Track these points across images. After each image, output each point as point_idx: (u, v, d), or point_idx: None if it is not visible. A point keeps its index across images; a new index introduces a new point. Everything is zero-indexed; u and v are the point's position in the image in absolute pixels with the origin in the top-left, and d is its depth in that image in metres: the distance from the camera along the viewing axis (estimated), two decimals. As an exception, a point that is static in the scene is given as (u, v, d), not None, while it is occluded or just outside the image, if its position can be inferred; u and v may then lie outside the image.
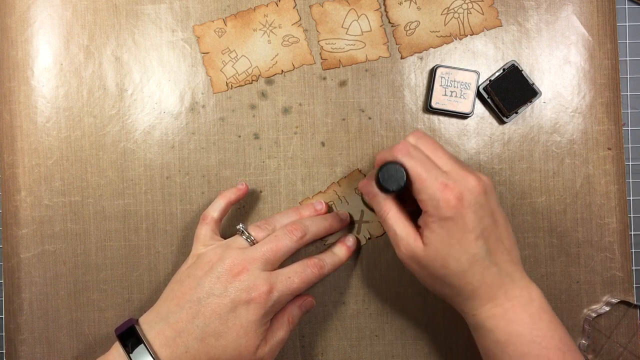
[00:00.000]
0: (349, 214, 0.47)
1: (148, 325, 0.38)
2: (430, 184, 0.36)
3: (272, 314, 0.40)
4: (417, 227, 0.38)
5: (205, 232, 0.42)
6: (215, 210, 0.43)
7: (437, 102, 0.46)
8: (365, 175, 0.47)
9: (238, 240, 0.41)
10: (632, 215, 0.48)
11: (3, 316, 0.48)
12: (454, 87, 0.46)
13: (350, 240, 0.46)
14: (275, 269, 0.40)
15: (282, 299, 0.39)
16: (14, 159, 0.47)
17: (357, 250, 0.47)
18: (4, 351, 0.48)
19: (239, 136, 0.47)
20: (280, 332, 0.40)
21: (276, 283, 0.39)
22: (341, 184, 0.47)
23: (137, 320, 0.39)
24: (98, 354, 0.47)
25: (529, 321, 0.36)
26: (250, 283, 0.38)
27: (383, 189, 0.37)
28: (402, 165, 0.37)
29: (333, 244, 0.46)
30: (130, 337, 0.37)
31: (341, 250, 0.45)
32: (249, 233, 0.41)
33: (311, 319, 0.47)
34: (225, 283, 0.38)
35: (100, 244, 0.47)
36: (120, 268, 0.47)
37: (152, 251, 0.47)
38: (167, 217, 0.47)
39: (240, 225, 0.42)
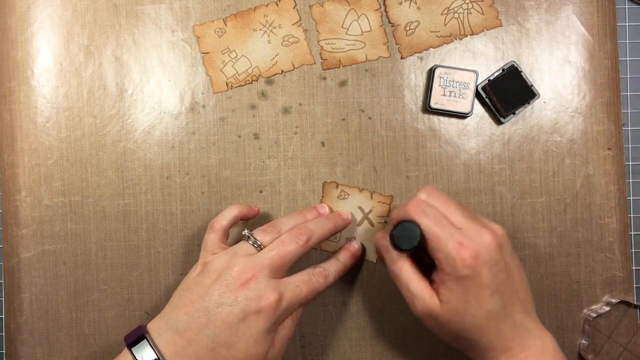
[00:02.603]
0: (352, 213, 0.47)
1: (157, 333, 0.38)
2: (446, 242, 0.36)
3: (281, 322, 0.39)
4: (431, 282, 0.38)
5: (212, 240, 0.42)
6: (224, 219, 0.43)
7: (436, 102, 0.46)
8: (338, 185, 0.47)
9: (244, 247, 0.40)
10: (632, 215, 0.48)
11: (3, 316, 0.48)
12: (453, 87, 0.46)
13: (354, 247, 0.45)
14: (283, 276, 0.40)
15: (290, 308, 0.39)
16: (14, 159, 0.47)
17: (362, 256, 0.47)
18: (4, 351, 0.48)
19: (239, 136, 0.47)
20: (285, 331, 0.40)
21: (285, 292, 0.39)
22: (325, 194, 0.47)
23: (146, 327, 0.39)
24: (98, 355, 0.47)
25: None
26: (260, 292, 0.38)
27: (397, 247, 0.37)
28: (416, 224, 0.37)
29: (338, 250, 0.45)
30: (141, 345, 0.37)
31: (345, 257, 0.44)
32: (255, 238, 0.41)
33: (311, 319, 0.47)
34: (235, 292, 0.38)
35: (100, 244, 0.47)
36: (120, 268, 0.47)
37: (152, 251, 0.47)
38: (167, 217, 0.47)
39: (246, 230, 0.41)
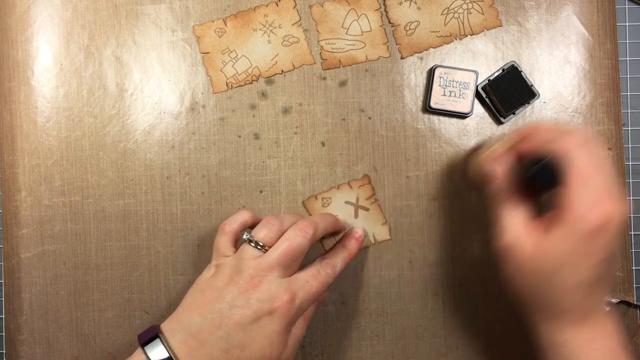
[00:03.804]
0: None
1: (170, 333, 0.38)
2: (591, 190, 0.33)
3: (295, 321, 0.39)
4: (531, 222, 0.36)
5: (223, 243, 0.41)
6: (235, 223, 0.42)
7: (436, 102, 0.46)
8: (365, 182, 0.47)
9: (249, 251, 0.40)
10: (632, 216, 0.48)
11: (3, 316, 0.48)
12: (453, 87, 0.46)
13: (357, 232, 0.44)
14: (295, 271, 0.40)
15: (304, 305, 0.39)
16: (14, 158, 0.47)
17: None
18: (4, 351, 0.48)
19: (239, 136, 0.47)
20: (298, 331, 0.40)
21: (297, 290, 0.38)
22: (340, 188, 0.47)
23: (159, 327, 0.39)
24: (98, 355, 0.47)
25: (608, 354, 0.35)
26: (272, 292, 0.37)
27: (536, 185, 0.34)
28: (560, 160, 0.33)
29: (342, 238, 0.45)
30: (154, 345, 0.37)
31: (350, 244, 0.43)
32: (256, 240, 0.40)
33: (311, 318, 0.47)
34: (247, 294, 0.37)
35: (100, 244, 0.47)
36: (121, 268, 0.47)
37: (152, 251, 0.47)
38: (167, 217, 0.47)
39: (245, 234, 0.40)
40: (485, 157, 0.38)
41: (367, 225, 0.47)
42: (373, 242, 0.47)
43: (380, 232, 0.47)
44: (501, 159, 0.37)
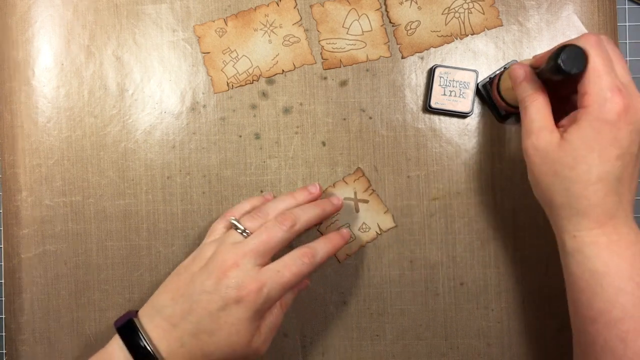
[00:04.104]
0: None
1: (147, 317, 0.39)
2: (606, 81, 0.34)
3: (264, 310, 0.39)
4: (557, 124, 0.37)
5: (219, 227, 0.42)
6: (238, 212, 0.43)
7: (436, 102, 0.46)
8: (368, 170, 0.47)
9: (232, 235, 0.40)
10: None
11: (4, 316, 0.48)
12: (453, 86, 0.46)
13: (344, 231, 0.44)
14: (268, 261, 0.40)
15: (272, 294, 0.38)
16: (15, 159, 0.47)
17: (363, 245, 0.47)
18: (4, 351, 0.48)
19: (240, 136, 0.47)
20: (272, 318, 0.40)
21: (265, 280, 0.38)
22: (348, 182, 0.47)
23: (137, 313, 0.40)
24: (99, 354, 0.47)
25: (631, 259, 0.35)
26: (239, 280, 0.38)
27: (560, 70, 0.34)
28: (582, 51, 0.34)
29: (329, 232, 0.45)
30: (130, 329, 0.38)
31: (335, 237, 0.43)
32: (241, 226, 0.40)
33: (312, 318, 0.47)
34: (216, 280, 0.38)
35: (101, 244, 0.47)
36: (121, 268, 0.47)
37: (153, 251, 0.47)
38: (168, 217, 0.47)
39: (232, 218, 0.41)
40: (513, 66, 0.40)
41: (369, 217, 0.47)
42: (379, 232, 0.47)
43: (385, 221, 0.47)
44: (524, 66, 0.38)
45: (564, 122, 0.37)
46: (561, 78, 0.35)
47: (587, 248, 0.35)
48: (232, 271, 0.38)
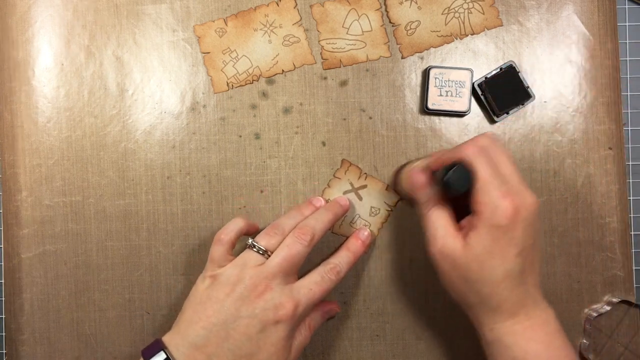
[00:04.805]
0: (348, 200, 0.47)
1: (175, 348, 0.38)
2: (494, 188, 0.36)
3: (297, 326, 0.40)
4: (459, 227, 0.38)
5: (220, 253, 0.41)
6: (232, 232, 0.42)
7: (433, 102, 0.46)
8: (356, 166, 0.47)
9: (252, 256, 0.40)
10: (632, 215, 0.48)
11: (4, 316, 0.48)
12: (449, 86, 0.46)
13: (364, 234, 0.45)
14: (296, 278, 0.41)
15: (306, 311, 0.40)
16: (15, 159, 0.47)
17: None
18: (4, 351, 0.48)
19: (240, 136, 0.47)
20: (302, 339, 0.41)
21: (300, 298, 0.39)
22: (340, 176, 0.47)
23: (162, 341, 0.39)
24: (99, 355, 0.47)
25: (546, 340, 0.37)
26: (276, 301, 0.38)
27: (450, 189, 0.36)
28: (467, 166, 0.37)
29: (346, 239, 0.45)
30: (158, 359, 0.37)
31: (355, 246, 0.44)
32: (259, 246, 0.40)
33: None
34: (251, 304, 0.38)
35: (101, 244, 0.47)
36: (121, 268, 0.47)
37: (153, 251, 0.47)
38: (168, 217, 0.47)
39: (250, 239, 0.41)
40: (409, 170, 0.41)
41: (373, 199, 0.47)
42: (389, 208, 0.47)
43: (389, 196, 0.47)
44: (422, 172, 0.40)
45: (464, 222, 0.38)
46: (455, 194, 0.37)
47: (505, 338, 0.37)
48: (267, 294, 0.38)
